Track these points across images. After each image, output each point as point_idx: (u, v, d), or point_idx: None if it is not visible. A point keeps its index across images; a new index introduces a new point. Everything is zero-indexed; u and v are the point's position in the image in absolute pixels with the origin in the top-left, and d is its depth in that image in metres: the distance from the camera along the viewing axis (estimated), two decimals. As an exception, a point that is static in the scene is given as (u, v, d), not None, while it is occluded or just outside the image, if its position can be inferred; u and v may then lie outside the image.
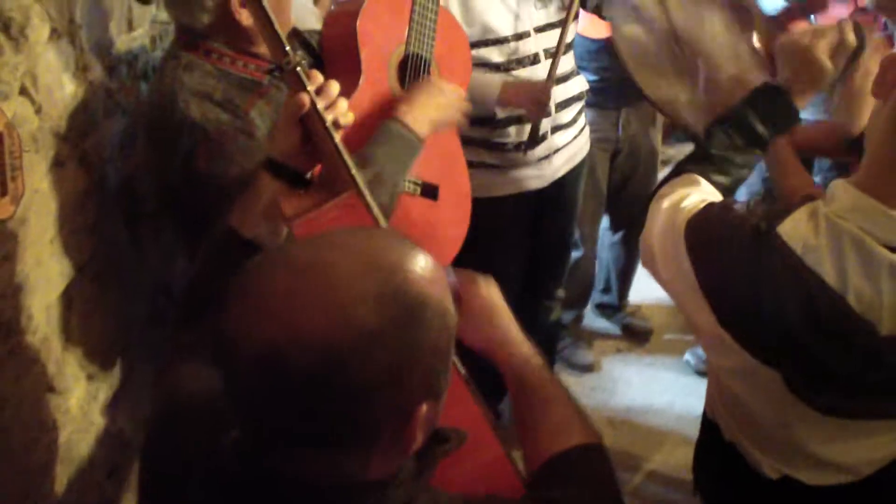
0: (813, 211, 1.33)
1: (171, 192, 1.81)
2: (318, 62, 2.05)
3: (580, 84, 2.84)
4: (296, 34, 2.02)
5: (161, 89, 1.78)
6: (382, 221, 1.47)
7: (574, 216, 3.12)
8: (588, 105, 3.00)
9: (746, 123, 1.61)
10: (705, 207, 1.44)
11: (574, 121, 2.84)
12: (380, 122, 1.89)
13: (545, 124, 2.68)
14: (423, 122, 1.91)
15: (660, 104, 2.28)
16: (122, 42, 2.10)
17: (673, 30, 2.10)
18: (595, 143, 3.16)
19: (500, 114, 2.61)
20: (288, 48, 1.36)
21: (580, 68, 2.93)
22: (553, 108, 2.67)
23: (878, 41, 1.89)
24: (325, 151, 1.40)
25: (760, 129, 1.61)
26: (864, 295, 1.25)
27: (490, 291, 1.41)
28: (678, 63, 2.10)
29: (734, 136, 1.61)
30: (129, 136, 2.08)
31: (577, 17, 2.70)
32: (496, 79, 2.53)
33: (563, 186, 2.88)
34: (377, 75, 1.99)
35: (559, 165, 2.82)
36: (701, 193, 1.52)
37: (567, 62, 2.72)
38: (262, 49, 1.76)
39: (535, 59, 2.61)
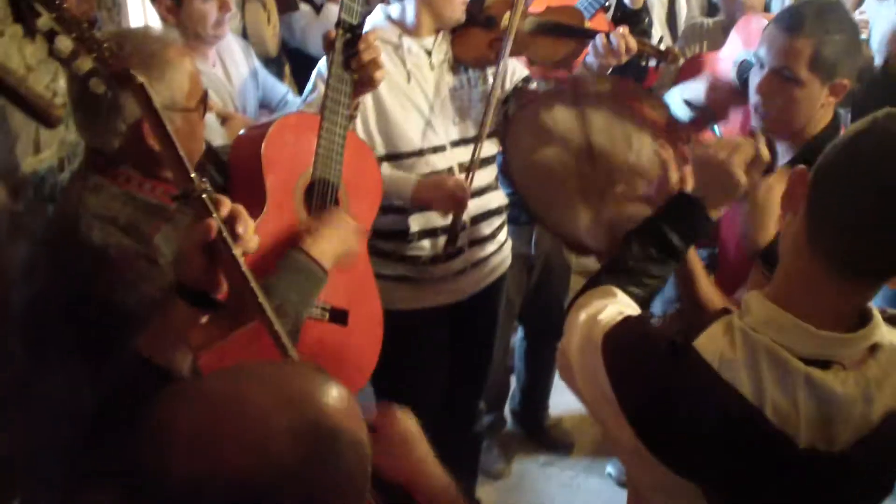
0: (728, 324, 1.34)
1: (74, 317, 1.75)
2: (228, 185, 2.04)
3: (499, 198, 2.85)
4: (209, 152, 2.01)
5: (65, 211, 1.75)
6: (291, 351, 1.45)
7: (495, 331, 3.09)
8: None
9: (661, 234, 1.65)
10: (622, 321, 1.44)
11: (493, 235, 2.84)
12: (284, 249, 1.89)
13: (462, 237, 2.68)
14: (328, 254, 1.92)
15: (554, 228, 2.29)
16: (29, 164, 2.06)
17: (590, 148, 2.15)
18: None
19: (414, 227, 2.61)
20: (193, 174, 1.36)
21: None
22: (468, 222, 2.69)
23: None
24: (232, 279, 1.39)
25: (675, 240, 1.64)
26: (780, 408, 1.26)
27: (406, 422, 1.42)
28: (586, 183, 2.15)
29: (649, 247, 1.64)
30: (34, 260, 2.02)
31: (495, 133, 2.73)
32: (411, 176, 2.54)
33: (482, 300, 2.87)
34: (282, 201, 1.98)
35: (478, 279, 2.82)
36: (618, 305, 1.52)
37: (486, 175, 2.74)
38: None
39: (449, 173, 2.63)
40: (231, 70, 2.89)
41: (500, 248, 2.89)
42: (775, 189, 1.81)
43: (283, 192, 1.99)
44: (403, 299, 2.63)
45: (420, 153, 2.58)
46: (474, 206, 2.69)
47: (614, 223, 1.94)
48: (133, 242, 1.69)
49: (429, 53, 2.59)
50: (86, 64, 1.45)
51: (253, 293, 1.39)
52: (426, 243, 2.66)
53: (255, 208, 1.89)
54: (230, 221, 1.38)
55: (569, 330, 1.57)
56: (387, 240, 2.50)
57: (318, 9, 4.73)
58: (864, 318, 1.32)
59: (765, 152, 1.70)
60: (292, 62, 4.75)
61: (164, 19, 2.59)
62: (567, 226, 2.14)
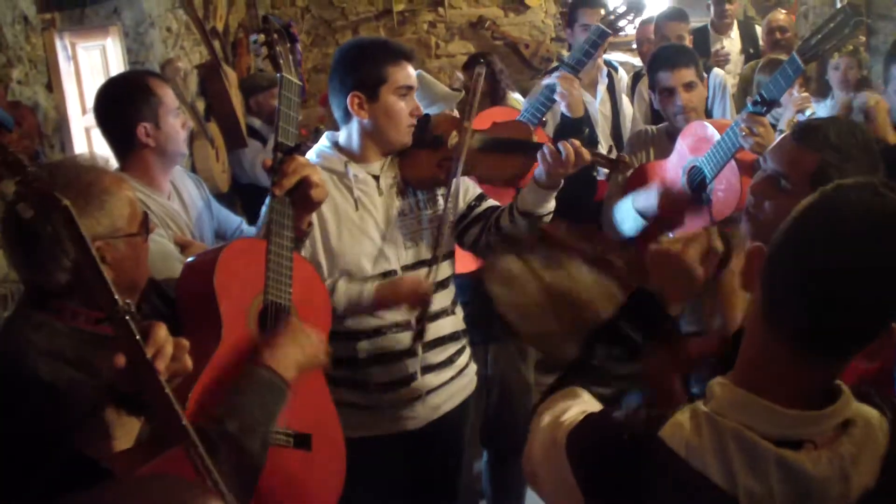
0: (693, 412, 1.29)
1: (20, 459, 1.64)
2: (174, 313, 1.98)
3: (454, 323, 2.74)
4: (153, 285, 1.96)
5: (5, 350, 1.67)
6: (216, 475, 1.42)
7: (460, 458, 2.94)
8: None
9: (621, 331, 1.61)
10: (585, 419, 1.40)
11: (450, 360, 2.72)
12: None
13: (412, 364, 2.59)
14: (289, 365, 1.85)
15: (533, 340, 2.29)
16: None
17: (546, 287, 2.16)
18: None
19: (363, 353, 2.53)
20: (117, 297, 1.36)
21: None
22: (420, 349, 2.59)
23: (743, 240, 1.95)
24: (157, 403, 1.39)
25: (635, 336, 1.60)
26: (754, 493, 1.21)
27: None
28: (561, 316, 2.15)
29: (611, 346, 1.60)
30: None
31: (450, 254, 2.69)
32: (367, 282, 2.47)
33: (442, 428, 2.72)
34: (238, 328, 1.92)
35: (435, 406, 2.68)
36: (581, 405, 1.48)
37: (441, 299, 2.65)
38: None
39: None
40: (186, 201, 2.85)
41: (459, 374, 2.76)
42: (735, 276, 1.79)
43: (237, 318, 1.93)
44: (357, 426, 2.46)
45: (372, 280, 2.51)
46: (428, 330, 2.59)
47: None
48: (84, 376, 1.61)
49: (376, 179, 2.55)
50: (8, 187, 1.45)
51: (177, 416, 1.39)
52: (376, 369, 2.55)
53: (210, 336, 1.84)
54: (157, 346, 1.40)
55: (532, 434, 1.52)
56: (336, 366, 2.41)
57: (265, 142, 4.78)
58: (833, 394, 1.27)
59: (717, 244, 1.68)
60: (244, 197, 4.77)
61: (144, 145, 2.56)
62: (546, 338, 2.11)
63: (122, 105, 2.55)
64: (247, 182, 4.79)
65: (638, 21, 3.43)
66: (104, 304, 1.37)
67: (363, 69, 2.45)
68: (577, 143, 2.46)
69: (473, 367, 2.85)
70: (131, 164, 2.57)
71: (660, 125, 3.44)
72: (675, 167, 3.14)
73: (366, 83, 2.44)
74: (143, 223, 1.78)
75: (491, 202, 2.70)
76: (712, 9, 5.64)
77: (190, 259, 2.08)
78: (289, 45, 2.17)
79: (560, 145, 2.43)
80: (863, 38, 5.46)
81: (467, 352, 2.82)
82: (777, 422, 1.23)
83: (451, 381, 2.72)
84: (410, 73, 2.51)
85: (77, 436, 1.37)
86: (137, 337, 1.35)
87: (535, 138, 2.81)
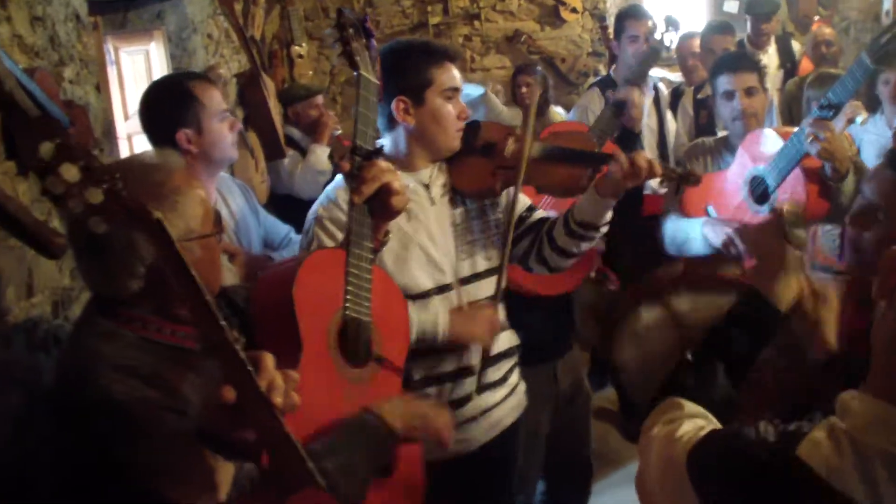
0: (830, 429, 1.22)
1: (81, 483, 1.53)
2: (243, 321, 1.85)
3: (510, 339, 2.63)
4: (221, 292, 1.84)
5: (73, 363, 1.56)
6: None
7: (510, 484, 2.81)
8: (522, 363, 2.85)
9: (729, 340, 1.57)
10: (709, 435, 1.34)
11: (504, 379, 2.60)
12: (325, 399, 1.75)
13: (470, 384, 2.47)
14: (397, 415, 1.80)
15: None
16: (21, 309, 1.89)
17: (683, 332, 2.12)
18: (535, 404, 3.00)
19: (417, 375, 2.39)
20: (223, 323, 1.20)
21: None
22: (477, 366, 2.46)
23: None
24: (273, 441, 1.24)
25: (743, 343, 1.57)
26: None
27: None
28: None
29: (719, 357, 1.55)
30: (25, 415, 1.83)
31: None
32: (440, 314, 2.35)
33: (494, 451, 2.60)
34: (317, 347, 1.81)
35: (488, 427, 2.56)
36: (692, 420, 1.42)
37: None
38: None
39: None
40: (233, 209, 2.78)
41: (511, 392, 2.64)
42: (832, 302, 1.72)
43: (317, 336, 1.81)
44: None
45: (426, 294, 2.39)
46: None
47: None
48: (159, 395, 1.49)
49: (426, 187, 2.43)
50: (95, 197, 1.25)
51: (299, 457, 1.24)
52: (431, 391, 2.43)
53: (288, 355, 1.69)
54: (270, 378, 1.25)
55: (643, 454, 1.46)
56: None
57: (303, 152, 4.72)
58: None
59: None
60: (280, 208, 4.69)
61: (186, 152, 2.48)
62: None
63: (161, 111, 2.48)
64: (283, 193, 4.72)
65: (678, 36, 3.35)
66: (207, 327, 1.21)
67: (407, 72, 2.33)
68: (648, 155, 2.37)
69: (523, 385, 2.73)
70: None
71: (717, 137, 3.37)
72: (735, 177, 3.04)
73: (411, 87, 2.33)
74: (217, 222, 1.67)
75: (542, 213, 2.60)
76: (749, 24, 5.56)
77: (261, 275, 1.96)
78: (364, 41, 2.03)
79: (635, 157, 2.33)
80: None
81: (517, 370, 2.71)
82: None
83: (504, 401, 2.60)
84: (455, 74, 2.39)
85: (176, 486, 1.23)
86: (250, 368, 1.20)
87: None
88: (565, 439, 3.43)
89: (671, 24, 3.29)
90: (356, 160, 1.94)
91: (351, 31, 2.00)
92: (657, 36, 3.38)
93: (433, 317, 2.33)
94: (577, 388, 3.41)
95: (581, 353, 3.46)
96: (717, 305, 1.97)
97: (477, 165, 2.48)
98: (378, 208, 1.97)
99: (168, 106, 2.47)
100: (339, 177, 2.36)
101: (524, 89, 5.22)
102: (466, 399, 2.46)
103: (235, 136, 2.63)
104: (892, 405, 1.18)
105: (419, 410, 1.92)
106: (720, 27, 4.92)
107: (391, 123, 2.39)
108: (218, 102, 2.55)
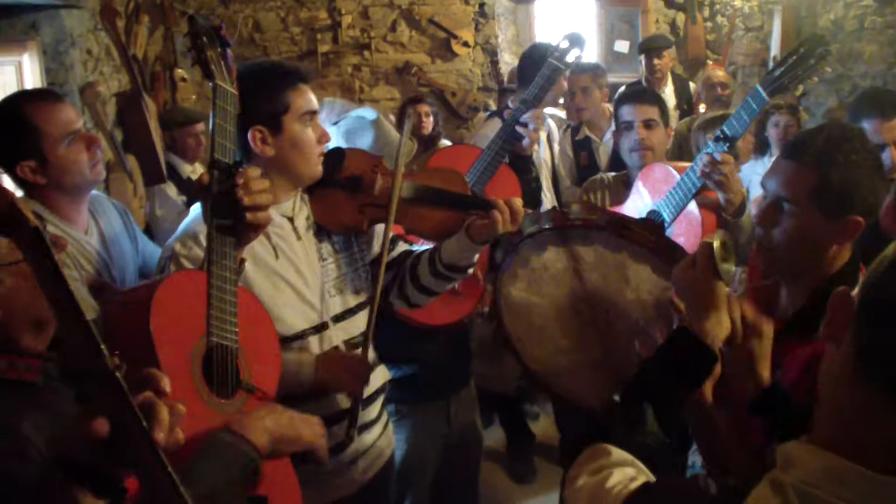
0: (774, 484, 1.13)
1: None
2: None
3: (383, 375, 2.54)
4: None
5: None
6: None
7: None
8: (414, 401, 2.75)
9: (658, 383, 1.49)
10: (643, 489, 1.23)
11: (379, 416, 2.53)
12: (190, 435, 1.53)
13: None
14: (259, 431, 1.64)
15: (539, 374, 2.17)
16: None
17: (584, 287, 2.01)
18: (425, 440, 2.90)
19: None
20: (103, 346, 1.08)
21: (394, 361, 2.69)
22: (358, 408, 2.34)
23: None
24: (153, 484, 1.11)
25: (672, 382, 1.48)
26: None
27: None
28: (584, 325, 2.01)
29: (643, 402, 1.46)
30: None
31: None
32: (307, 357, 2.22)
33: (370, 492, 2.50)
34: (179, 377, 1.64)
35: (366, 468, 2.46)
36: (621, 469, 1.32)
37: (370, 350, 2.42)
38: (33, 342, 1.45)
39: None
40: (107, 234, 2.57)
41: (384, 430, 2.57)
42: (766, 335, 1.66)
43: (179, 366, 1.65)
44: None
45: (302, 335, 2.26)
46: None
47: (619, 367, 1.75)
48: (8, 445, 1.34)
49: (291, 221, 2.29)
50: None
51: (176, 490, 1.11)
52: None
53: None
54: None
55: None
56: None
57: (183, 181, 4.54)
58: None
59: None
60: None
61: (33, 186, 2.27)
62: (570, 392, 1.95)
63: None
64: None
65: (580, 55, 3.32)
66: (83, 352, 1.08)
67: (261, 100, 2.15)
68: (520, 210, 2.26)
69: (391, 425, 2.64)
70: (36, 198, 2.30)
71: (616, 173, 3.37)
72: (630, 212, 3.03)
73: (266, 114, 2.15)
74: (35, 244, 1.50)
75: (404, 247, 2.51)
76: (643, 63, 5.68)
77: (116, 296, 1.79)
78: (220, 49, 1.88)
79: (513, 204, 2.27)
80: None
81: (386, 407, 2.62)
82: (876, 492, 1.06)
83: (380, 437, 2.51)
84: (311, 96, 2.24)
85: None
86: (131, 400, 1.07)
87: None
88: (453, 481, 3.34)
89: (575, 41, 3.26)
90: (215, 174, 1.79)
91: (205, 39, 1.86)
92: (559, 54, 3.34)
93: (297, 356, 2.20)
94: (470, 429, 3.33)
95: (475, 393, 3.38)
96: (624, 273, 1.93)
97: (343, 201, 2.35)
98: (241, 226, 1.83)
99: (1, 138, 2.25)
100: (196, 210, 2.17)
101: (422, 119, 5.20)
102: (349, 441, 2.32)
103: (98, 153, 2.44)
104: (841, 456, 1.09)
105: (286, 420, 1.75)
106: (581, 67, 4.86)
107: (247, 155, 2.19)
108: (64, 124, 2.31)
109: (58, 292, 1.06)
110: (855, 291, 1.12)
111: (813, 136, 1.82)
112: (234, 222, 1.80)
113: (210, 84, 1.84)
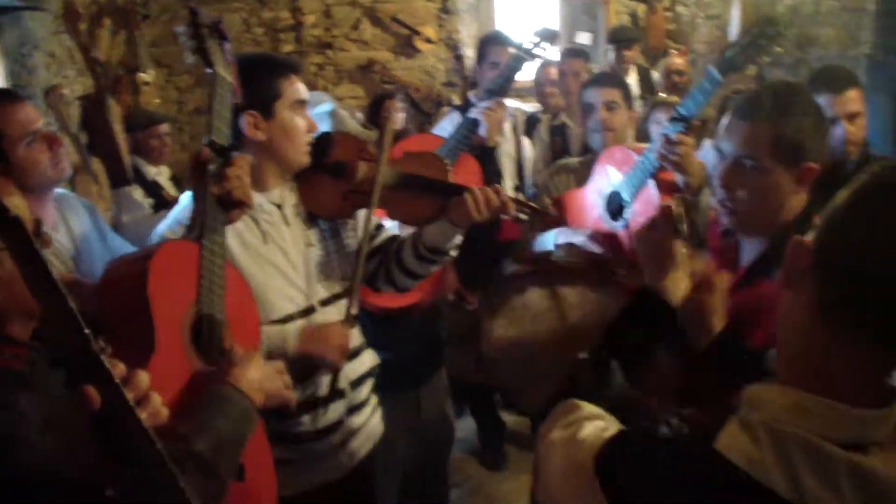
0: (742, 423, 1.19)
1: None
2: None
3: (372, 358, 2.61)
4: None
5: None
6: None
7: None
8: (384, 390, 2.79)
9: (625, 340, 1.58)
10: (616, 437, 1.28)
11: (368, 400, 2.59)
12: (181, 398, 1.66)
13: (339, 407, 2.42)
14: (256, 389, 1.76)
15: (512, 377, 2.29)
16: None
17: (565, 329, 2.11)
18: (396, 430, 2.94)
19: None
20: (87, 330, 1.12)
21: (369, 347, 2.74)
22: (348, 388, 2.44)
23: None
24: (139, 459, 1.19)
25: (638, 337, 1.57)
26: (822, 503, 1.10)
27: None
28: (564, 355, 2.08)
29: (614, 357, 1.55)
30: None
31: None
32: (292, 327, 2.29)
33: (359, 474, 2.56)
34: (173, 342, 1.73)
35: (354, 451, 2.52)
36: (592, 422, 1.36)
37: (356, 334, 2.51)
38: (21, 331, 1.48)
39: None
40: (75, 231, 2.60)
41: (373, 413, 2.63)
42: (719, 288, 1.73)
43: (172, 331, 1.74)
44: (285, 484, 2.28)
45: (290, 318, 2.33)
46: (350, 368, 2.45)
47: None
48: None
49: (279, 207, 2.37)
50: None
51: (170, 476, 1.19)
52: (307, 419, 2.37)
53: (141, 349, 1.64)
54: (132, 387, 1.19)
55: (542, 462, 1.40)
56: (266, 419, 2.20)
57: (149, 185, 4.54)
58: (891, 393, 1.18)
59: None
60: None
61: None
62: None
63: None
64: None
65: (549, 49, 3.39)
66: (68, 337, 1.12)
67: (254, 86, 2.24)
68: (504, 191, 2.37)
69: (380, 408, 2.70)
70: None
71: (582, 158, 3.43)
72: (593, 193, 3.10)
73: (259, 100, 2.25)
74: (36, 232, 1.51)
75: (390, 233, 2.59)
76: (611, 54, 5.77)
77: (108, 266, 1.84)
78: (219, 42, 1.99)
79: (484, 191, 2.33)
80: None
81: (375, 390, 2.68)
82: (843, 424, 1.13)
83: (368, 421, 2.56)
84: (301, 86, 2.35)
85: None
86: (118, 381, 1.13)
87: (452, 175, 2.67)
88: (425, 471, 3.39)
89: (547, 36, 3.32)
90: (210, 154, 1.90)
91: (206, 30, 1.97)
92: (528, 45, 3.40)
93: (281, 330, 2.27)
94: (441, 419, 3.37)
95: (447, 382, 3.42)
96: (603, 307, 1.99)
97: (328, 187, 2.43)
98: (229, 204, 1.93)
99: None
100: (186, 198, 2.24)
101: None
102: (338, 424, 2.40)
103: (61, 151, 2.47)
104: (806, 392, 1.16)
105: (269, 373, 1.88)
106: (573, 52, 5.05)
107: (239, 141, 2.28)
108: (24, 124, 2.37)
109: (41, 279, 1.10)
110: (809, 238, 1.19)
111: (761, 95, 1.91)
112: (223, 200, 1.91)
113: (210, 71, 1.96)
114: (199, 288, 1.81)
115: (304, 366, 2.29)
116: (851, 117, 3.07)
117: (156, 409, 1.28)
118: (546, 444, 1.38)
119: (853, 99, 3.08)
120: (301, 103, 2.33)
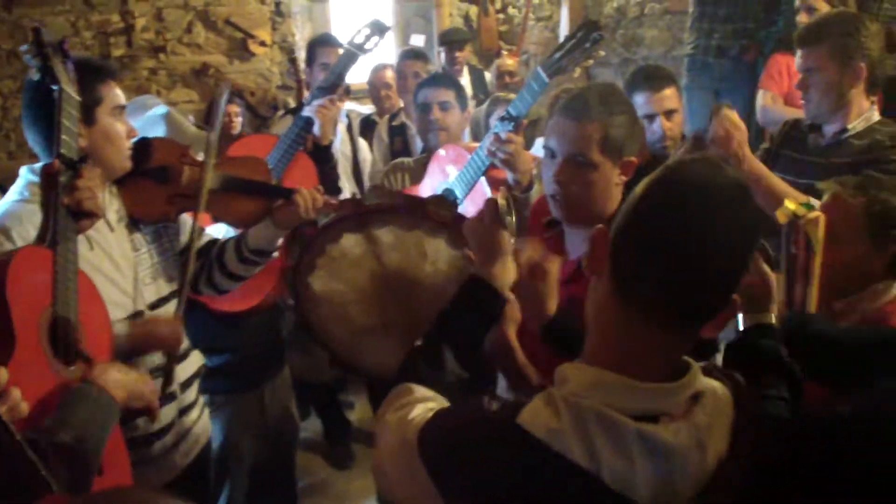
0: (548, 397, 1.28)
1: None
2: None
3: (198, 359, 2.64)
4: None
5: None
6: None
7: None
8: (227, 391, 2.78)
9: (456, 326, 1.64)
10: (435, 415, 1.37)
11: (196, 400, 2.62)
12: (41, 397, 1.73)
13: (172, 409, 2.43)
14: (117, 387, 1.85)
15: (346, 356, 2.28)
16: None
17: (384, 269, 2.12)
18: (240, 430, 2.92)
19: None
20: None
21: (203, 351, 2.72)
22: (178, 390, 2.46)
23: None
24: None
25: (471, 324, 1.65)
26: (617, 470, 1.21)
27: None
28: (388, 307, 2.13)
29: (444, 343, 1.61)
30: None
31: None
32: (120, 326, 2.27)
33: (194, 472, 2.60)
34: (31, 342, 1.80)
35: (187, 451, 2.55)
36: (423, 403, 1.45)
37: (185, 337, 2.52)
38: None
39: None
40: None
41: (202, 413, 2.67)
42: (550, 273, 1.83)
43: (30, 331, 1.81)
44: None
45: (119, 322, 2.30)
46: (181, 370, 2.48)
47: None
48: None
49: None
50: None
51: (33, 468, 1.27)
52: (140, 422, 2.33)
53: (1, 353, 1.72)
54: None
55: (378, 439, 1.48)
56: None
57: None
58: (683, 368, 1.31)
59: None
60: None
61: None
62: (380, 366, 2.05)
63: None
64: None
65: (380, 42, 3.45)
66: None
67: None
68: (320, 196, 2.46)
69: (207, 410, 2.73)
70: None
71: (418, 157, 3.51)
72: (427, 191, 3.16)
73: (81, 106, 2.17)
74: None
75: (209, 236, 2.63)
76: (443, 55, 5.88)
77: None
78: (62, 59, 2.06)
79: (313, 193, 2.40)
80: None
81: (206, 397, 2.74)
82: (634, 397, 1.24)
83: (197, 423, 2.60)
84: (119, 92, 2.35)
85: None
86: None
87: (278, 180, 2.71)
88: (272, 471, 3.39)
89: (377, 29, 3.37)
90: (61, 167, 1.94)
91: (50, 49, 2.02)
92: (359, 40, 3.43)
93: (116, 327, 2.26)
94: (285, 417, 3.38)
95: (290, 381, 3.43)
96: (421, 249, 2.05)
97: (151, 192, 2.44)
98: (80, 214, 1.98)
99: None
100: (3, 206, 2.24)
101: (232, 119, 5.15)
102: (170, 426, 2.42)
103: None
104: (605, 369, 1.26)
105: (133, 377, 1.98)
106: (412, 53, 5.11)
107: None
108: None
109: None
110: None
111: (585, 96, 2.05)
112: (76, 210, 1.98)
113: (56, 88, 2.02)
114: (55, 291, 1.87)
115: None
116: (669, 114, 3.26)
117: (15, 402, 1.35)
118: (381, 424, 1.46)
119: (670, 96, 3.28)
120: (121, 109, 2.33)
